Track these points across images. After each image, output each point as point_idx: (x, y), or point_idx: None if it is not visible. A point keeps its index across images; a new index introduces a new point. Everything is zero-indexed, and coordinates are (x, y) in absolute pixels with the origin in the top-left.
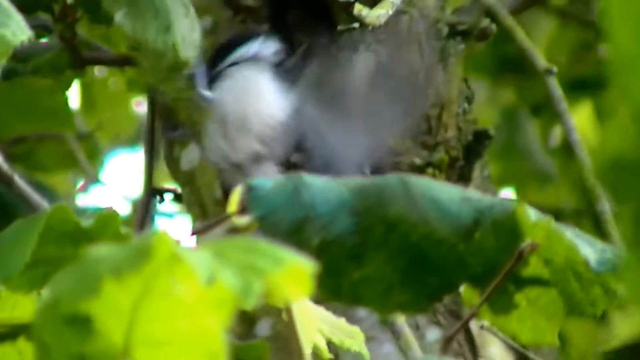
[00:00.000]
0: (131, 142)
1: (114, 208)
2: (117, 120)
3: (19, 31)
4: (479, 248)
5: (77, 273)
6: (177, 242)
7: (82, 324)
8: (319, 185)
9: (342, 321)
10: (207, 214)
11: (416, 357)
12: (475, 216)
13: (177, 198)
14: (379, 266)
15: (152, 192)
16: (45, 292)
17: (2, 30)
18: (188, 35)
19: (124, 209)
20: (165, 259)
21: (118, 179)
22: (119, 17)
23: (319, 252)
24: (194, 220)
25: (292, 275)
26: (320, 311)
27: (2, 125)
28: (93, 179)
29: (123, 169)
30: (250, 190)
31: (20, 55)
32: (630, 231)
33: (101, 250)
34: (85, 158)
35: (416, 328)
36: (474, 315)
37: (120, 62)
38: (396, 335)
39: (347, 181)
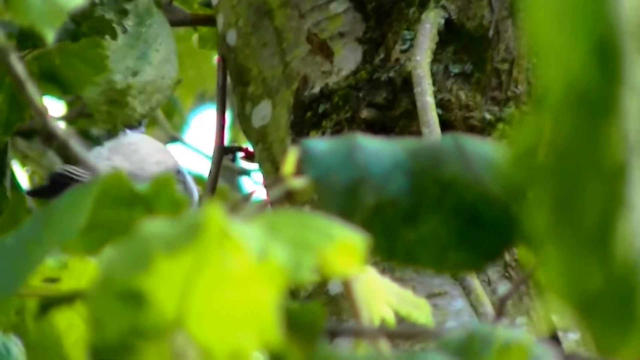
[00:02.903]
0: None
1: (170, 173)
2: (202, 77)
3: None
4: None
5: (129, 249)
6: (228, 217)
7: (134, 298)
8: (373, 146)
9: (409, 292)
10: (279, 169)
11: (487, 312)
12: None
13: (250, 156)
14: (434, 227)
15: (224, 151)
16: (97, 268)
17: None
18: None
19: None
20: (216, 234)
21: (202, 137)
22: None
23: (374, 213)
24: (267, 176)
25: (344, 250)
26: (387, 282)
27: (79, 83)
28: (173, 138)
29: (208, 126)
30: (305, 152)
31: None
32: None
33: (152, 226)
34: (164, 116)
35: (488, 283)
36: (529, 276)
37: (194, 22)
38: (467, 290)
39: (402, 142)
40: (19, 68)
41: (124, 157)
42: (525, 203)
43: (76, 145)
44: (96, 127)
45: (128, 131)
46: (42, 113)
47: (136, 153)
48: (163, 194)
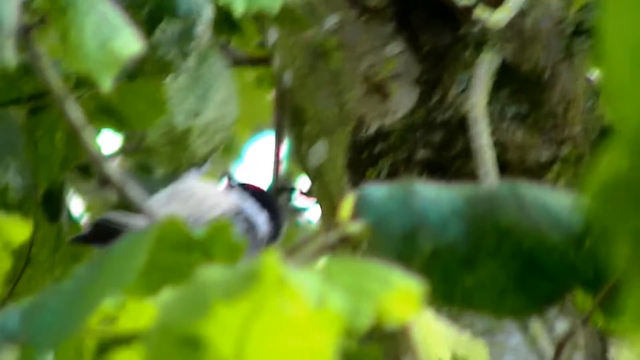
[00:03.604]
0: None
1: (227, 218)
2: (257, 111)
3: (130, 43)
4: (590, 254)
5: (188, 296)
6: (285, 263)
7: (192, 344)
8: (431, 193)
9: (465, 336)
10: (336, 208)
11: (544, 349)
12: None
13: (306, 195)
14: (492, 272)
15: (279, 189)
16: (156, 313)
17: (112, 43)
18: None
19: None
20: (273, 281)
21: (254, 171)
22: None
23: (432, 259)
24: (324, 215)
25: (402, 297)
26: (444, 324)
27: (138, 120)
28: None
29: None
30: (362, 197)
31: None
32: (628, 254)
33: (210, 273)
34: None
35: (545, 320)
36: (586, 320)
37: (251, 62)
38: (525, 326)
39: (459, 188)
40: (76, 115)
41: (181, 202)
42: (604, 241)
43: (132, 192)
44: (158, 169)
45: (193, 171)
46: (98, 160)
47: (193, 197)
48: (220, 239)
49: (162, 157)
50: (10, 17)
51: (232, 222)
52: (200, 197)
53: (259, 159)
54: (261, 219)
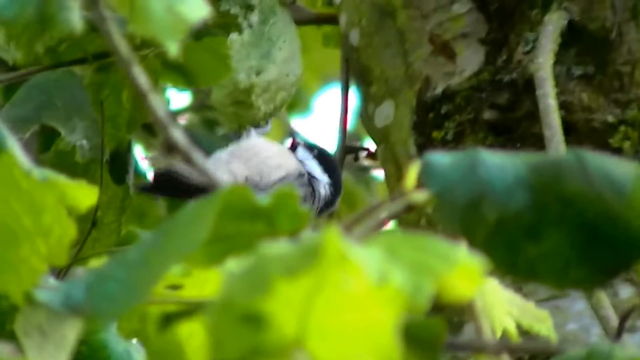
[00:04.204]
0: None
1: (292, 185)
2: (326, 62)
3: (196, 7)
4: None
5: (249, 272)
6: (346, 238)
7: (254, 320)
8: (496, 161)
9: (530, 305)
10: (401, 170)
11: (608, 315)
12: None
13: (372, 155)
14: (556, 242)
15: (347, 150)
16: (219, 290)
17: (179, 7)
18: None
19: None
20: (335, 257)
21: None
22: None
23: (496, 229)
24: (389, 176)
25: (464, 273)
26: (509, 294)
27: (205, 76)
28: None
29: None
30: (426, 165)
31: None
32: None
33: (272, 249)
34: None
35: (609, 285)
36: None
37: (318, 20)
38: (588, 293)
39: (523, 156)
40: (142, 80)
41: (243, 161)
42: None
43: (198, 157)
44: (222, 127)
45: (253, 130)
46: (164, 126)
47: (255, 157)
48: (284, 207)
49: (227, 117)
50: None
51: (294, 185)
52: (263, 157)
53: (329, 111)
54: (322, 184)
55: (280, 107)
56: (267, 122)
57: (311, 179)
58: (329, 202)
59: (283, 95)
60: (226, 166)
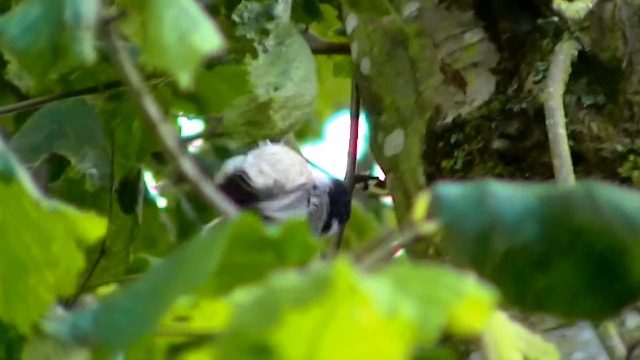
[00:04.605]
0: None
1: (302, 218)
2: (339, 89)
3: (209, 37)
4: None
5: (259, 303)
6: (356, 269)
7: (264, 352)
8: (505, 193)
9: (537, 337)
10: (410, 199)
11: (615, 345)
12: None
13: (381, 184)
14: (565, 274)
15: (356, 179)
16: (228, 320)
17: (192, 38)
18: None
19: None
20: (345, 289)
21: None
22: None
23: (504, 260)
24: (398, 205)
25: (473, 306)
26: (516, 327)
27: (218, 102)
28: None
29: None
30: (436, 196)
31: None
32: None
33: (281, 280)
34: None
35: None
36: None
37: (329, 50)
38: (596, 322)
39: (533, 188)
40: (153, 110)
41: (270, 164)
42: None
43: (207, 188)
44: (234, 142)
45: (269, 142)
46: (174, 156)
47: (280, 162)
48: (294, 238)
49: (239, 135)
50: (89, 10)
51: (311, 195)
52: (288, 163)
53: (339, 139)
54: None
55: (296, 125)
56: (280, 139)
57: (322, 194)
58: (328, 225)
59: (298, 115)
60: (255, 167)
